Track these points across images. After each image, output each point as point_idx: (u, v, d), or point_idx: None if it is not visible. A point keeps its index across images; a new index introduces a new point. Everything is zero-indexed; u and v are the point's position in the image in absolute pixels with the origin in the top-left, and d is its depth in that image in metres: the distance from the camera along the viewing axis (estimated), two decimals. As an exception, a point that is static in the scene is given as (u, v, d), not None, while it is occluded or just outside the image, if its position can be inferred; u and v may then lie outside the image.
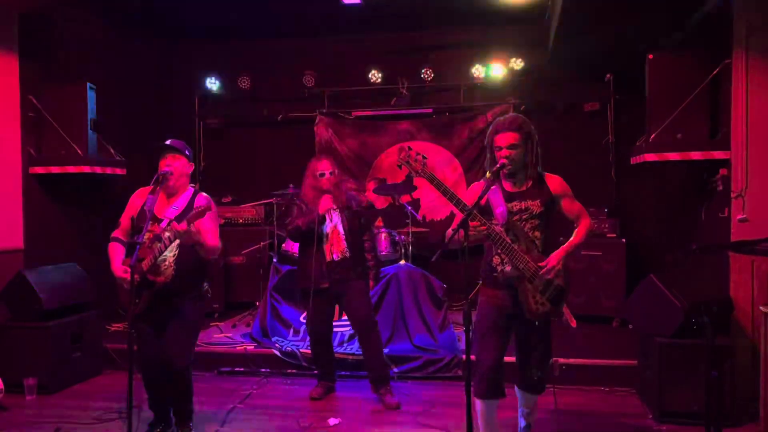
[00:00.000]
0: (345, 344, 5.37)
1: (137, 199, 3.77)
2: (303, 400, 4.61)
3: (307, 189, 4.61)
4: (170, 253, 3.57)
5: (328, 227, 4.55)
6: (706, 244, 4.97)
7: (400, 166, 3.23)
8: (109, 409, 4.41)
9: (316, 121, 7.61)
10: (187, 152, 3.75)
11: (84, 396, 4.83)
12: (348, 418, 4.28)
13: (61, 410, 4.47)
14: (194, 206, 3.51)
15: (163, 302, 3.61)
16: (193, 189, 3.79)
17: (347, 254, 4.52)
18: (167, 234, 3.43)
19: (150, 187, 3.64)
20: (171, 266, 3.58)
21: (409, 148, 3.20)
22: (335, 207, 4.55)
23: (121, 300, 3.68)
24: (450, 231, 3.16)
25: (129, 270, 3.32)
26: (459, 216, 3.22)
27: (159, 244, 3.47)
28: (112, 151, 6.00)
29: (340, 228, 4.54)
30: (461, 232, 2.95)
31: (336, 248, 4.51)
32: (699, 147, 4.69)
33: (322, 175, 4.55)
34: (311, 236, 4.52)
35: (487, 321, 3.36)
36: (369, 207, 4.82)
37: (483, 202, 3.24)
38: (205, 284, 3.81)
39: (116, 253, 3.66)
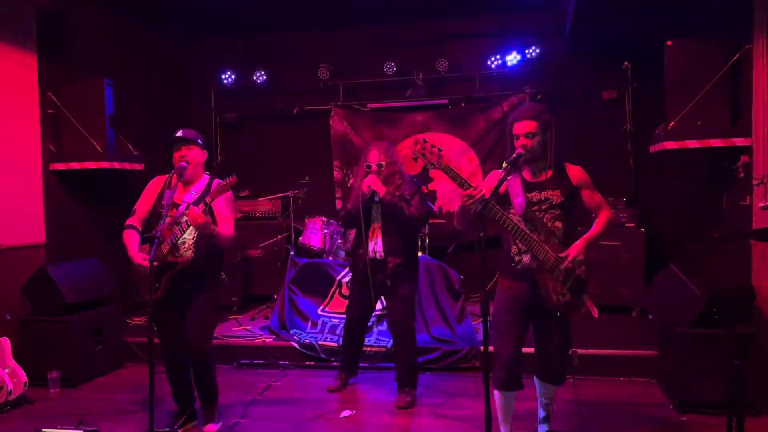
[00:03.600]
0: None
1: (153, 188, 3.88)
2: (322, 392, 4.63)
3: (358, 181, 4.43)
4: (189, 236, 3.69)
5: (374, 217, 4.34)
6: (727, 233, 4.91)
7: (415, 159, 3.21)
8: (131, 401, 4.47)
9: (332, 113, 7.60)
10: (199, 141, 3.84)
11: (106, 388, 4.90)
12: (365, 409, 4.30)
13: (84, 403, 4.54)
14: (211, 190, 3.60)
15: (184, 285, 3.71)
16: (208, 176, 3.89)
17: (381, 255, 4.33)
18: (185, 218, 3.52)
19: (166, 176, 3.77)
20: (190, 248, 3.70)
21: (425, 141, 3.17)
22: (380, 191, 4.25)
23: (137, 285, 3.79)
24: (457, 210, 3.15)
25: (147, 257, 3.43)
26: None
27: (177, 228, 3.59)
28: (130, 146, 6.05)
29: (379, 223, 4.35)
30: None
31: (378, 246, 4.36)
32: (719, 134, 4.61)
33: (369, 167, 4.34)
34: (359, 225, 4.39)
35: (506, 313, 3.35)
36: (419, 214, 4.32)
37: (502, 191, 3.23)
38: (222, 274, 3.91)
39: (132, 240, 3.75)
